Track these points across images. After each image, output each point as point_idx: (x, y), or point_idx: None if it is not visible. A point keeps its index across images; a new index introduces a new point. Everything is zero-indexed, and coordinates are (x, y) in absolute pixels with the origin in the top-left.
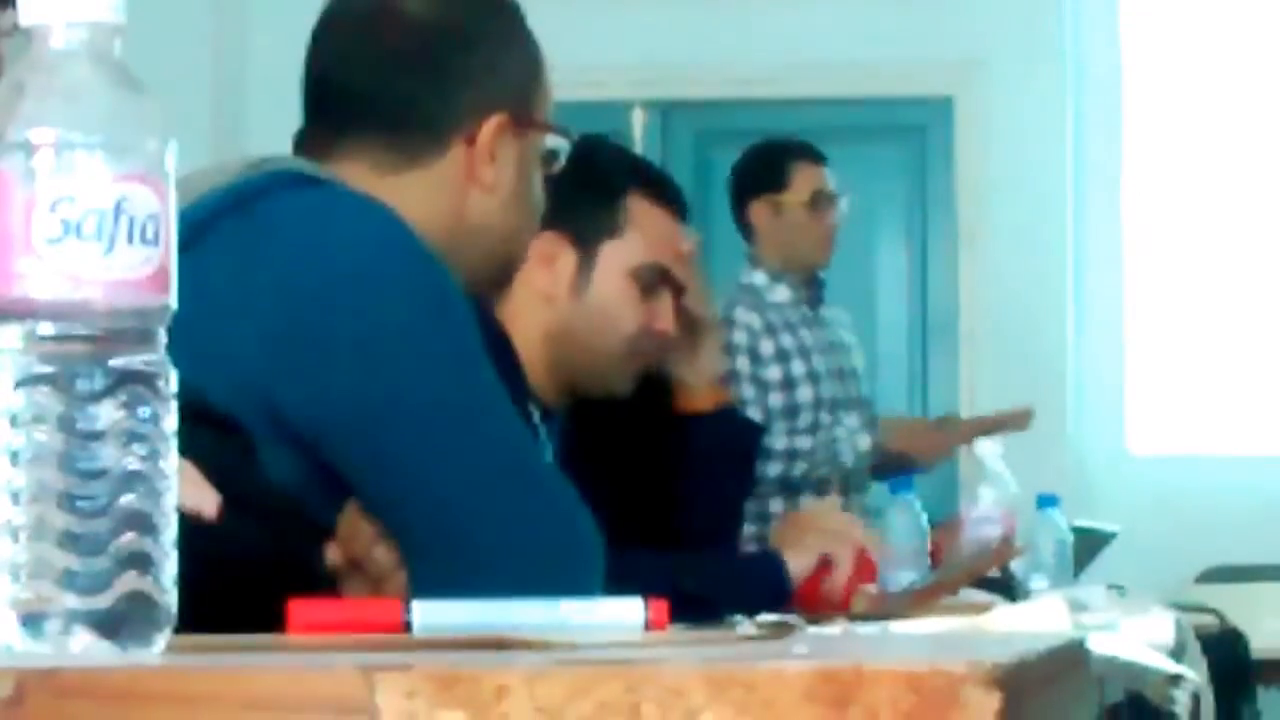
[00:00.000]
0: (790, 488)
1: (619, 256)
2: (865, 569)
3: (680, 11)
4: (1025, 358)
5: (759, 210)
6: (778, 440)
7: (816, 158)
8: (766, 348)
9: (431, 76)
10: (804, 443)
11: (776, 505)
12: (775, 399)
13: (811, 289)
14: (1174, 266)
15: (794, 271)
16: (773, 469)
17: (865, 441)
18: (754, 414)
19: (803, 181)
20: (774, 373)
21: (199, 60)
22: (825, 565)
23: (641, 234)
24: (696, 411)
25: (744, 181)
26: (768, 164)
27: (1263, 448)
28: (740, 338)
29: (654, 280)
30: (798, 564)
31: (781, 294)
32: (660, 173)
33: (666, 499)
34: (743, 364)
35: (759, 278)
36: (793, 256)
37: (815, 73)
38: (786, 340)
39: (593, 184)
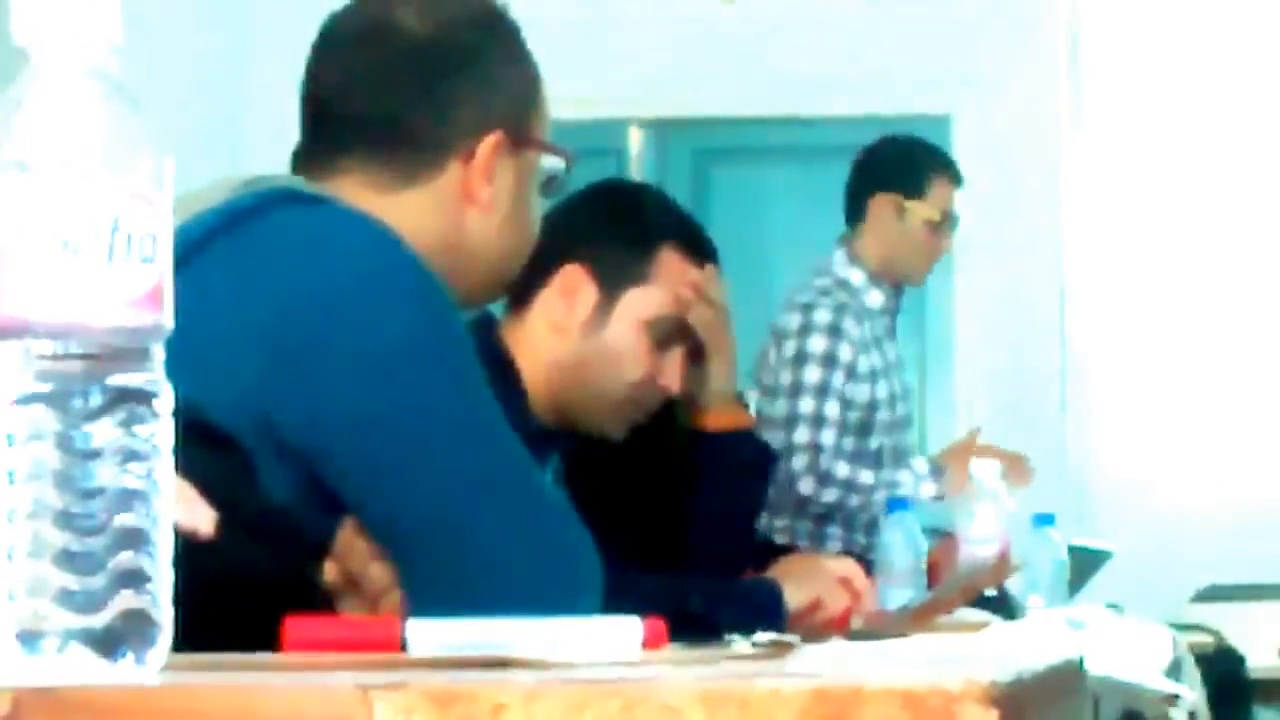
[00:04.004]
0: (848, 516)
1: (639, 305)
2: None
3: (676, 30)
4: (1022, 377)
5: (881, 204)
6: (841, 467)
7: (957, 178)
8: (865, 364)
9: (428, 95)
10: (866, 477)
11: (834, 529)
12: (853, 416)
13: (896, 300)
14: (1172, 285)
15: (887, 279)
16: (827, 495)
17: (931, 490)
18: (827, 435)
19: (937, 197)
20: (863, 392)
21: (197, 78)
22: (815, 605)
23: (667, 287)
24: (714, 430)
25: (878, 170)
26: (909, 164)
27: (1259, 466)
28: (845, 353)
29: (668, 334)
30: (794, 597)
31: (876, 298)
32: (699, 231)
33: (679, 516)
34: (838, 379)
35: (856, 275)
36: (895, 264)
37: (812, 90)
38: (877, 358)
39: (630, 229)
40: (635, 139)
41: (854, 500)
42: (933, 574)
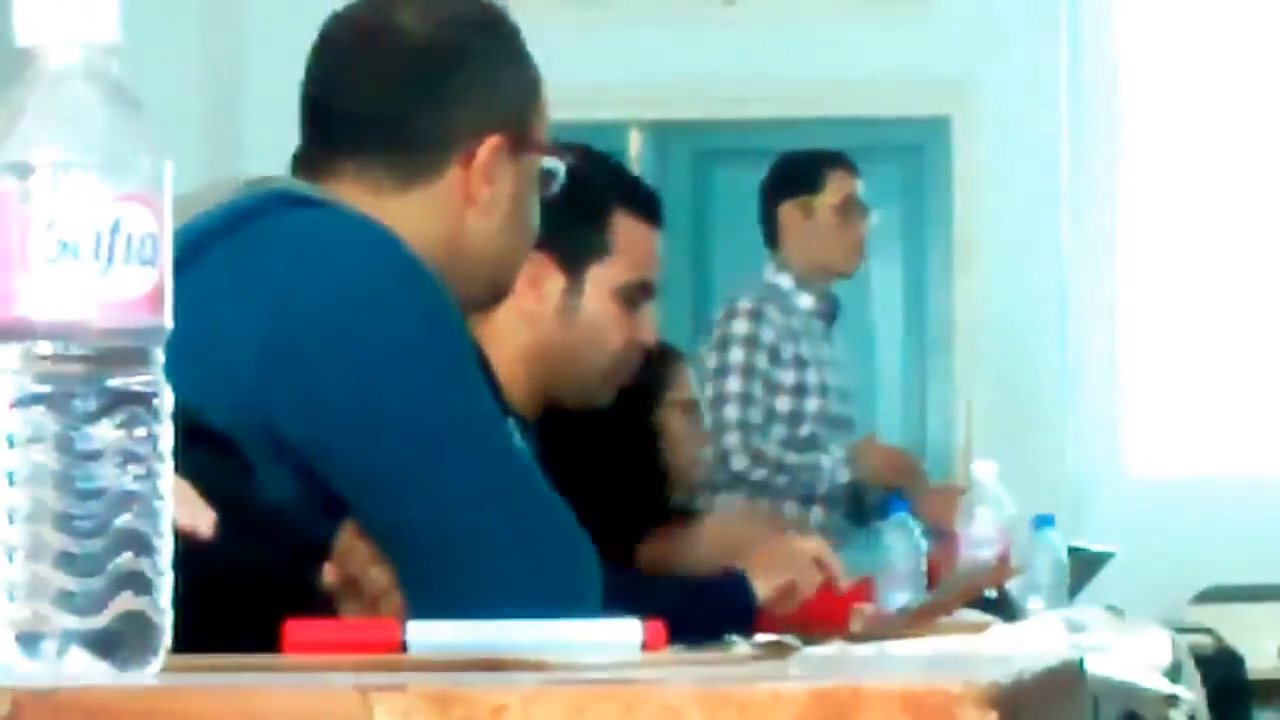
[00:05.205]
0: (776, 494)
1: (606, 278)
2: (862, 590)
3: (676, 32)
4: (1022, 377)
5: (789, 213)
6: (770, 447)
7: (851, 167)
8: (788, 350)
9: (428, 97)
10: (792, 458)
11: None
12: (782, 403)
13: (828, 304)
14: (1170, 286)
15: (818, 280)
16: (757, 473)
17: (844, 475)
18: (754, 413)
19: (836, 186)
20: (788, 377)
21: (196, 80)
22: (790, 588)
23: (628, 253)
24: None
25: (776, 184)
26: (802, 168)
27: (1259, 468)
28: (767, 335)
29: (637, 295)
30: (764, 587)
31: (806, 301)
32: (642, 184)
33: (641, 506)
34: (761, 360)
35: (784, 281)
36: (819, 262)
37: (812, 92)
38: (806, 349)
39: (580, 206)
40: (635, 141)
41: (781, 480)
42: (933, 576)
